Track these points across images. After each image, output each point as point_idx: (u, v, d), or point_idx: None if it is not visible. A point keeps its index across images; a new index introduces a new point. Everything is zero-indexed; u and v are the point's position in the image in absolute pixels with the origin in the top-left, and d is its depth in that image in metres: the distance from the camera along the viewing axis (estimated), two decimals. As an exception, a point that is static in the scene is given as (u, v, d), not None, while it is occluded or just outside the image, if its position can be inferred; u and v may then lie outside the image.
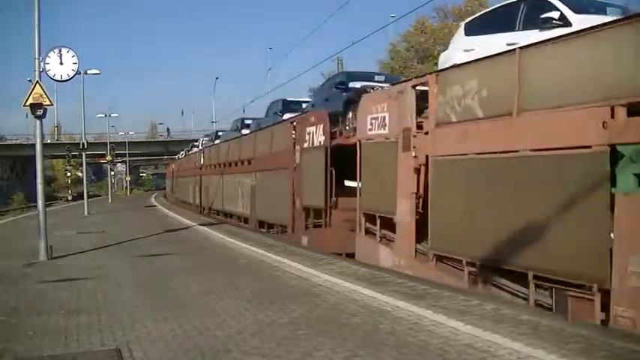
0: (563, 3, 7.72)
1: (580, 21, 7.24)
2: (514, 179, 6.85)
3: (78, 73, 12.62)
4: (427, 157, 8.87)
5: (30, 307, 6.34)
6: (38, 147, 10.69)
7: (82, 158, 30.91)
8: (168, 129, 72.06)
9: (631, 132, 5.44)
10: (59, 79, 11.35)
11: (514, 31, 8.21)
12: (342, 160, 11.78)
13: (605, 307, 5.60)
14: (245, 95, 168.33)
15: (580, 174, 5.92)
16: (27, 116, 39.56)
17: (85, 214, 24.41)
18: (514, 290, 6.97)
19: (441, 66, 9.71)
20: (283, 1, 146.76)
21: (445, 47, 11.13)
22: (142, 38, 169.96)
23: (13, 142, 65.61)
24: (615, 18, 6.62)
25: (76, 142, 39.28)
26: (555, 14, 7.56)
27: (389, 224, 10.10)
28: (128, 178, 76.46)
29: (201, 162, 30.43)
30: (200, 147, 35.91)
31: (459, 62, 8.62)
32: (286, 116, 17.65)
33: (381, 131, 10.27)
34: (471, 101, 7.72)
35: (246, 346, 4.67)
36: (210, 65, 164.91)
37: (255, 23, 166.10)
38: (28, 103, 10.34)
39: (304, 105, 19.05)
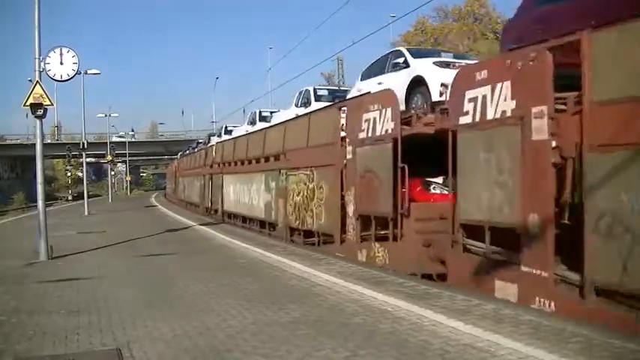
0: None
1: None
2: None
3: (78, 73, 12.62)
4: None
5: (30, 307, 6.34)
6: (38, 147, 10.69)
7: (82, 158, 30.91)
8: (132, 129, 68.55)
9: None
10: (59, 79, 11.35)
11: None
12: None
13: None
14: (245, 95, 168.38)
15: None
16: (27, 116, 39.64)
17: (86, 213, 24.44)
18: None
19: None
20: (284, 1, 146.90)
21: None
22: (142, 38, 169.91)
23: (14, 142, 65.60)
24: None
25: (76, 142, 39.29)
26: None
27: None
28: (128, 178, 76.42)
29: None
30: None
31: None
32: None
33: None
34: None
35: (246, 345, 4.67)
36: (210, 65, 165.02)
37: (255, 23, 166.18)
38: (28, 103, 10.35)
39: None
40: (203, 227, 16.66)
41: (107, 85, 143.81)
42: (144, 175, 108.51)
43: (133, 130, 65.88)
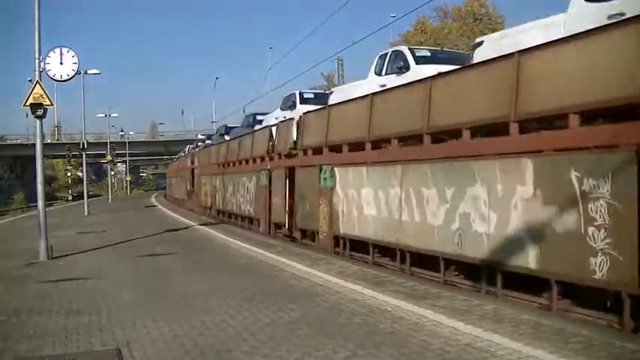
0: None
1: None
2: None
3: (78, 72, 12.61)
4: None
5: (30, 307, 6.34)
6: (38, 147, 10.69)
7: (82, 158, 30.92)
8: (122, 129, 66.41)
9: None
10: (59, 79, 11.35)
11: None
12: None
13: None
14: (245, 95, 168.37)
15: None
16: (27, 116, 39.63)
17: (86, 213, 24.43)
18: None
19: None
20: (284, 1, 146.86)
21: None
22: (141, 38, 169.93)
23: (14, 142, 65.62)
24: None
25: (76, 142, 39.32)
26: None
27: None
28: (128, 178, 76.50)
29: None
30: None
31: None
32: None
33: None
34: None
35: (246, 345, 4.67)
36: (210, 65, 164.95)
37: (255, 23, 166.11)
38: (28, 103, 10.35)
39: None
40: (203, 227, 16.64)
41: (107, 85, 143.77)
42: (144, 175, 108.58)
43: (122, 131, 64.95)
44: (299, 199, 13.69)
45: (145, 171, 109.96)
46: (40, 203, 10.54)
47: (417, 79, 9.30)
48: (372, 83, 11.56)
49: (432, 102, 8.60)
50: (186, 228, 16.84)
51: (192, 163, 31.95)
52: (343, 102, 12.17)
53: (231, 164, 21.63)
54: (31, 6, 10.42)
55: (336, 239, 11.63)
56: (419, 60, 10.77)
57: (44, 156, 11.23)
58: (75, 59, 11.36)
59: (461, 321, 5.17)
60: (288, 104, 17.76)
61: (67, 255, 10.67)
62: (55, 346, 4.86)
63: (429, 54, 11.35)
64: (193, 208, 28.13)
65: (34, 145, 11.09)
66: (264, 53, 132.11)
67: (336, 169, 11.74)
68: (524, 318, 5.27)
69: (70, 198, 51.74)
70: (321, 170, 12.26)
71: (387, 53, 11.74)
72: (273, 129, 16.42)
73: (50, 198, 44.08)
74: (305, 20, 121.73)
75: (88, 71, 27.24)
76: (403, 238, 9.18)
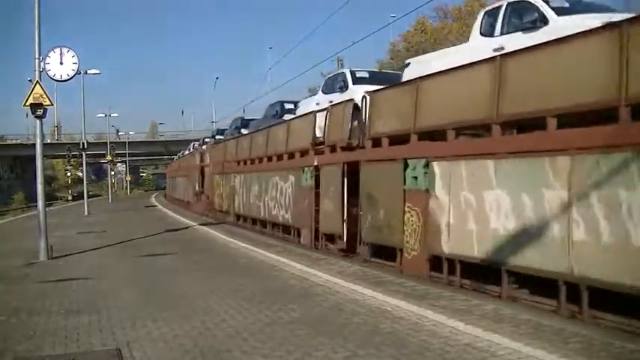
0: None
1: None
2: None
3: (78, 72, 12.61)
4: None
5: (30, 307, 6.33)
6: (38, 147, 10.69)
7: (82, 158, 30.92)
8: (117, 130, 64.70)
9: None
10: (59, 79, 11.35)
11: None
12: None
13: None
14: (245, 95, 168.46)
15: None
16: (27, 116, 39.61)
17: (86, 213, 24.44)
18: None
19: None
20: (283, 1, 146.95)
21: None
22: (142, 38, 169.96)
23: (14, 142, 65.63)
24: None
25: (76, 142, 39.34)
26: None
27: None
28: (128, 178, 76.51)
29: None
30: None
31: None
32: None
33: None
34: None
35: (246, 345, 4.67)
36: (210, 65, 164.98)
37: (255, 23, 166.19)
38: (28, 103, 10.35)
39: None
40: (203, 227, 16.64)
41: (107, 85, 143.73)
42: (144, 175, 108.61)
43: (118, 131, 64.26)
44: (367, 204, 10.47)
45: (145, 171, 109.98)
46: (40, 203, 10.54)
47: (559, 36, 6.73)
48: (477, 47, 8.85)
49: (632, 58, 5.66)
50: (186, 228, 16.84)
51: (202, 161, 28.77)
52: (441, 72, 8.94)
53: (256, 161, 18.24)
54: (32, 6, 10.44)
55: (435, 261, 8.48)
56: (559, 11, 8.02)
57: (44, 156, 11.23)
58: (75, 59, 11.37)
59: (461, 321, 5.17)
60: (337, 86, 14.19)
61: (67, 255, 10.67)
62: (55, 346, 4.86)
63: (567, 4, 8.39)
64: (205, 211, 24.91)
65: (34, 145, 11.09)
66: (264, 53, 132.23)
67: (434, 163, 8.59)
68: (524, 318, 5.27)
69: (69, 198, 51.74)
70: (407, 166, 9.23)
71: (498, 7, 8.92)
72: (320, 115, 13.24)
73: (50, 198, 44.08)
74: (305, 20, 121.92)
75: (88, 71, 27.26)
76: (576, 267, 6.06)
